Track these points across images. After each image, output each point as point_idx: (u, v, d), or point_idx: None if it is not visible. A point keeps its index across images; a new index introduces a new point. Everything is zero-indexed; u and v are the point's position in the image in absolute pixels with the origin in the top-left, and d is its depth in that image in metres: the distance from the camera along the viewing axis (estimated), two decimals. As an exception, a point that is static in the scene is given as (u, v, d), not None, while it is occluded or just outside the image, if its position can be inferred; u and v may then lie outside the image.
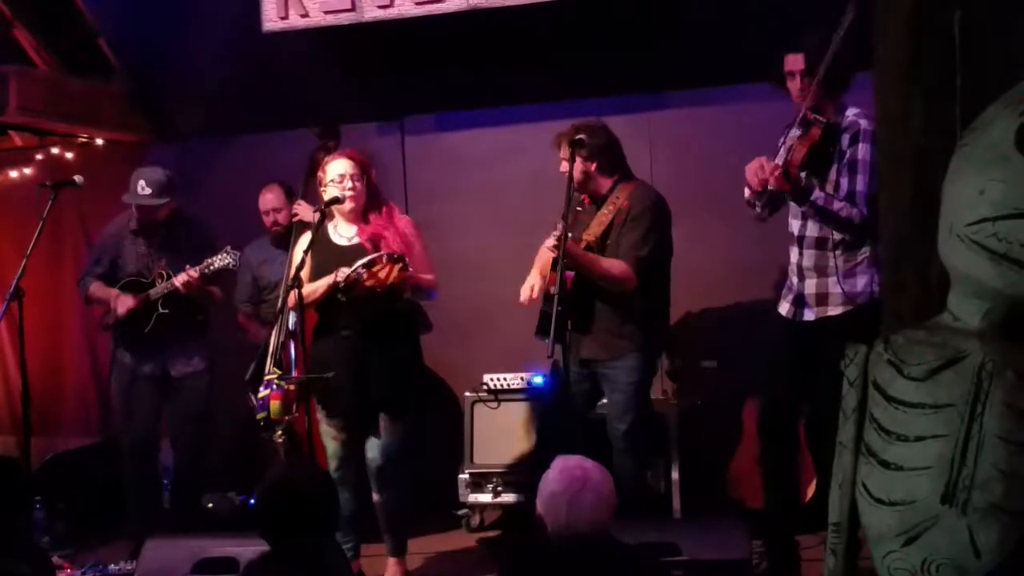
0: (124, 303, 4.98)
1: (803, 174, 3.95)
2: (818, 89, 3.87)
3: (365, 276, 4.16)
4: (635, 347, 4.39)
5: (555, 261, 4.18)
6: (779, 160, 3.93)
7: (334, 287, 4.23)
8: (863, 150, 3.90)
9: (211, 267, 4.85)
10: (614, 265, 4.32)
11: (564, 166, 4.33)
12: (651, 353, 4.52)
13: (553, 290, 4.03)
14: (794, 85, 4.01)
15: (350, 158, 4.40)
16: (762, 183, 3.84)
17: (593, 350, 4.39)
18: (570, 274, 4.24)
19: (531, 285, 4.47)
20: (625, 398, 4.40)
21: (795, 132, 4.01)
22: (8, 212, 6.43)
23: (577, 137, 4.30)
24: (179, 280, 4.86)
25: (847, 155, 3.95)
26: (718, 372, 5.33)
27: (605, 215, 4.40)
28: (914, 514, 2.02)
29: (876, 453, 2.10)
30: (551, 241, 4.20)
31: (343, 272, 4.18)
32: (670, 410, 5.12)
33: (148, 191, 4.97)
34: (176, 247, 5.08)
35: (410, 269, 4.23)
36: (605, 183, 4.48)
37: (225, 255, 4.84)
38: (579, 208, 4.58)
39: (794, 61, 4.00)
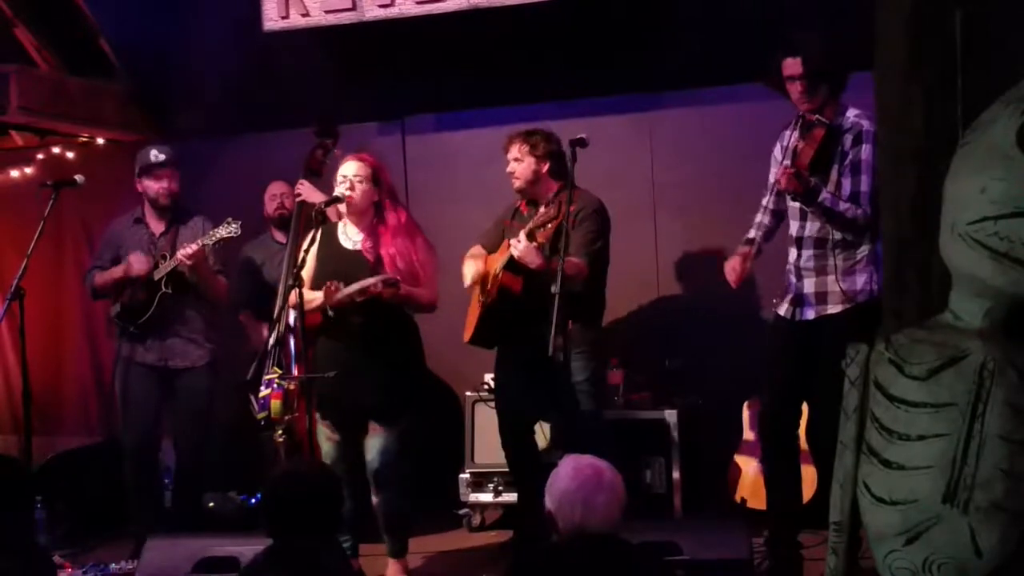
0: (138, 260, 4.93)
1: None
2: (827, 95, 3.93)
3: (355, 297, 4.21)
4: (585, 348, 4.48)
5: (509, 261, 4.38)
6: (786, 163, 3.96)
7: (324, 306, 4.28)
8: (866, 151, 3.92)
9: (213, 236, 4.83)
10: (570, 263, 4.34)
11: (512, 166, 4.60)
12: (599, 355, 4.65)
13: (554, 289, 4.06)
14: (795, 88, 4.02)
15: (360, 160, 4.41)
16: (741, 276, 4.14)
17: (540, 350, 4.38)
18: (519, 278, 4.42)
19: (477, 271, 4.65)
20: (581, 397, 4.49)
21: (794, 135, 4.03)
22: (9, 212, 6.43)
23: (534, 137, 4.56)
24: (181, 253, 4.81)
25: (849, 156, 3.96)
26: (718, 371, 5.33)
27: (552, 218, 4.41)
28: (915, 513, 2.02)
29: (877, 452, 2.10)
30: (524, 242, 4.27)
31: (337, 293, 4.21)
32: (671, 410, 5.12)
33: (163, 156, 5.01)
34: (178, 232, 5.08)
35: (402, 290, 4.25)
36: (550, 188, 4.60)
37: (227, 225, 4.82)
38: (511, 218, 4.73)
39: (792, 65, 4.00)
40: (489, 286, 4.59)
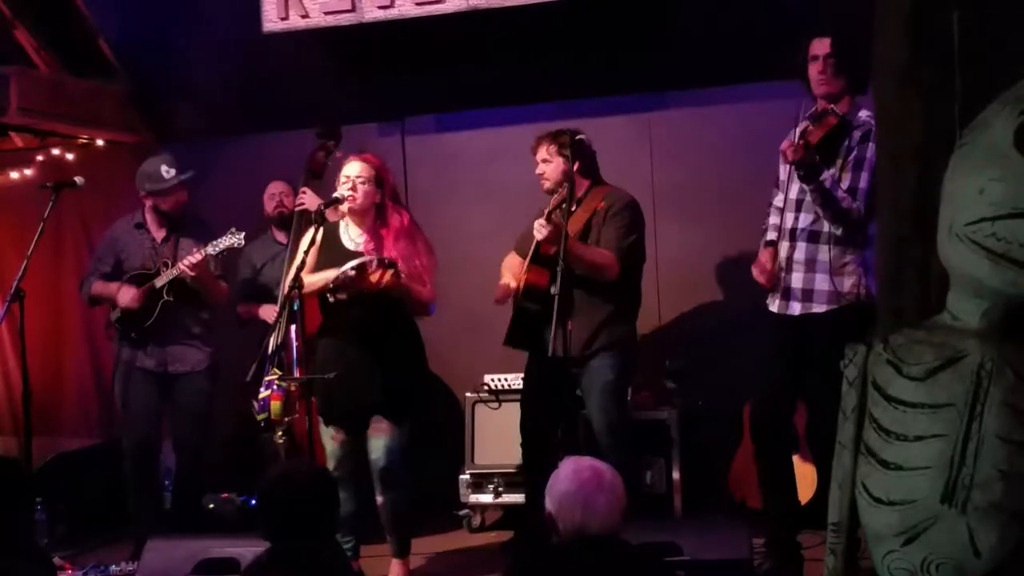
0: (127, 293, 4.94)
1: None
2: (845, 88, 3.98)
3: (355, 277, 4.17)
4: (613, 345, 4.45)
5: (534, 254, 4.32)
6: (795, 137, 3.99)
7: (325, 287, 4.26)
8: (871, 150, 3.92)
9: (217, 247, 4.82)
10: (600, 253, 4.36)
11: (540, 167, 4.55)
12: (629, 351, 4.57)
13: (554, 290, 4.05)
14: (815, 68, 4.02)
15: (365, 161, 4.40)
16: (771, 275, 4.10)
17: (572, 347, 4.35)
18: (545, 272, 4.34)
19: (507, 283, 4.60)
20: (604, 396, 4.44)
21: (805, 123, 4.03)
22: (8, 213, 6.43)
23: (562, 136, 4.49)
24: (185, 263, 4.82)
25: (855, 152, 3.98)
26: (718, 371, 5.33)
27: (581, 216, 4.41)
28: (914, 513, 2.02)
29: (876, 453, 2.10)
30: (543, 222, 4.25)
31: (334, 272, 4.20)
32: (671, 410, 5.12)
33: (173, 171, 4.99)
34: (180, 239, 5.08)
35: (402, 276, 4.23)
36: (581, 185, 4.54)
37: (230, 235, 4.81)
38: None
39: (820, 45, 4.02)
40: (520, 285, 4.53)
